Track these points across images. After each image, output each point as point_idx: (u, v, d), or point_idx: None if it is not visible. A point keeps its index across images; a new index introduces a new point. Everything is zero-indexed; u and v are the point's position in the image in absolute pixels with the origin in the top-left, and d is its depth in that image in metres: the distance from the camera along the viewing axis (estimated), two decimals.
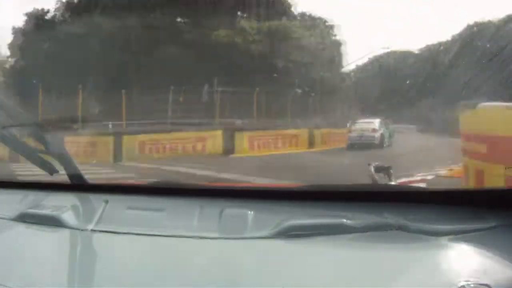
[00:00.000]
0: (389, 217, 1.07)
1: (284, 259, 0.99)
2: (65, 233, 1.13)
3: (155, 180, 1.41)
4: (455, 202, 1.14)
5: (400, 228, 1.03)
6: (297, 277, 0.90)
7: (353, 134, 11.61)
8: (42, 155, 1.39)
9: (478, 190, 1.23)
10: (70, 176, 1.38)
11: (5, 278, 0.91)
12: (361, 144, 10.74)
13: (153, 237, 1.08)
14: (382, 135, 11.79)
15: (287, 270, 0.94)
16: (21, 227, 1.17)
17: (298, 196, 1.24)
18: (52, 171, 1.39)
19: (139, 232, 1.10)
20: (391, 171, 1.33)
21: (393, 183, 1.28)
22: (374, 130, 11.73)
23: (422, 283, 0.86)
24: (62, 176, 1.38)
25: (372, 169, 1.34)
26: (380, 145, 11.21)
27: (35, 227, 1.17)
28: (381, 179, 1.32)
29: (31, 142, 1.39)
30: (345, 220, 1.06)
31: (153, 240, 1.08)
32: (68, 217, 1.16)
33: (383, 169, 1.35)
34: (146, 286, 0.90)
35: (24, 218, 1.19)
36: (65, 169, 1.38)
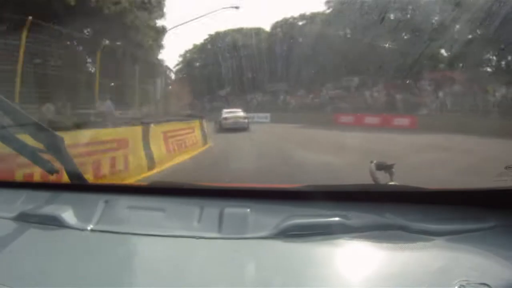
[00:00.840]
0: (389, 217, 1.07)
1: (284, 259, 0.99)
2: (65, 233, 1.13)
3: (156, 180, 1.41)
4: (455, 202, 1.14)
5: (400, 228, 1.04)
6: (297, 277, 0.90)
7: (229, 121, 15.93)
8: (42, 155, 1.39)
9: (477, 190, 1.23)
10: (70, 176, 1.38)
11: (5, 277, 0.91)
12: (237, 128, 15.07)
13: (153, 237, 1.08)
14: (248, 120, 16.60)
15: (287, 270, 0.94)
16: (21, 227, 1.17)
17: (298, 196, 1.24)
18: (52, 171, 1.39)
19: (139, 232, 1.11)
20: (393, 169, 1.32)
21: (394, 182, 1.28)
22: (245, 117, 16.61)
23: (422, 282, 0.87)
24: (62, 176, 1.38)
25: (373, 167, 1.33)
26: (248, 128, 15.92)
27: (35, 227, 1.17)
28: (382, 177, 1.31)
29: (31, 142, 1.39)
30: (345, 220, 1.06)
31: (153, 240, 1.08)
32: (68, 217, 1.17)
33: (384, 167, 1.34)
34: (146, 286, 0.90)
35: (24, 218, 1.19)
36: (65, 169, 1.38)
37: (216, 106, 26.06)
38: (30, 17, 8.36)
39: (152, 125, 6.63)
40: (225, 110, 17.33)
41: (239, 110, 17.36)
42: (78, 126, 5.26)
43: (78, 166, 1.43)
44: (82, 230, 1.13)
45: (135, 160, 5.70)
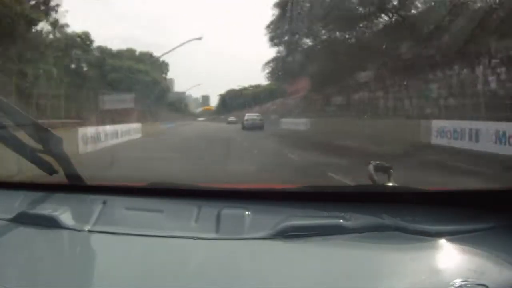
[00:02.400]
0: (386, 218, 1.07)
1: (282, 260, 0.99)
2: (63, 234, 1.13)
3: (154, 181, 1.41)
4: (453, 203, 1.14)
5: (398, 229, 1.04)
6: (295, 278, 0.90)
7: (249, 122, 21.82)
8: (41, 155, 1.39)
9: (476, 190, 1.23)
10: (69, 177, 1.38)
11: (3, 278, 0.91)
12: (255, 127, 20.46)
13: (151, 238, 1.08)
14: (263, 121, 22.22)
15: (285, 271, 0.94)
16: (19, 228, 1.17)
17: (296, 197, 1.25)
18: (51, 171, 1.39)
19: (137, 233, 1.11)
20: (392, 171, 1.32)
21: (391, 184, 1.28)
22: (261, 119, 22.51)
23: (420, 283, 0.87)
24: (60, 176, 1.38)
25: (372, 168, 1.33)
26: (263, 127, 21.20)
27: (33, 228, 1.17)
28: (380, 178, 1.31)
29: (30, 143, 1.39)
30: (342, 221, 1.06)
31: (151, 241, 1.08)
32: (66, 218, 1.16)
33: (382, 168, 1.34)
34: (143, 287, 0.90)
35: (22, 219, 1.19)
36: (64, 169, 1.38)
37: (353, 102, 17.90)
38: None
39: None
40: (247, 114, 23.81)
41: (257, 114, 23.93)
42: None
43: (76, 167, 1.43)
44: (80, 231, 1.13)
45: None
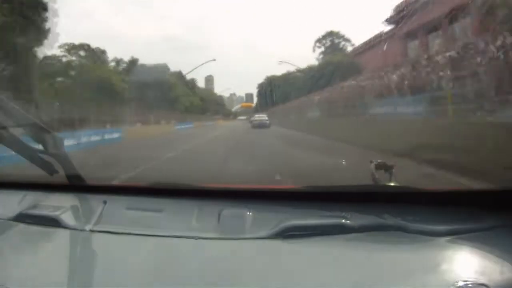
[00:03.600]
0: (388, 218, 1.07)
1: (282, 259, 0.99)
2: (63, 233, 1.13)
3: (154, 181, 1.41)
4: (454, 203, 1.14)
5: (399, 228, 1.04)
6: (296, 278, 0.90)
7: (256, 122, 24.40)
8: (42, 156, 1.39)
9: (477, 190, 1.23)
10: (69, 177, 1.38)
11: (4, 278, 0.91)
12: (261, 126, 22.87)
13: (152, 238, 1.08)
14: (269, 121, 24.37)
15: (285, 270, 0.94)
16: (20, 228, 1.18)
17: (297, 197, 1.24)
18: (51, 171, 1.39)
19: (137, 232, 1.11)
20: (393, 170, 1.32)
21: (393, 183, 1.28)
22: (267, 119, 24.74)
23: (421, 283, 0.87)
24: (61, 176, 1.38)
25: (373, 167, 1.33)
26: (269, 126, 23.31)
27: (34, 227, 1.17)
28: (381, 177, 1.30)
29: (31, 143, 1.39)
30: (343, 221, 1.06)
31: (152, 240, 1.08)
32: (66, 217, 1.17)
33: (384, 167, 1.33)
34: (144, 286, 0.90)
35: (23, 219, 1.19)
36: (64, 169, 1.38)
37: None
38: None
39: None
40: (256, 115, 26.45)
41: (264, 114, 25.96)
42: None
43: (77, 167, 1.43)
44: (81, 230, 1.13)
45: None
